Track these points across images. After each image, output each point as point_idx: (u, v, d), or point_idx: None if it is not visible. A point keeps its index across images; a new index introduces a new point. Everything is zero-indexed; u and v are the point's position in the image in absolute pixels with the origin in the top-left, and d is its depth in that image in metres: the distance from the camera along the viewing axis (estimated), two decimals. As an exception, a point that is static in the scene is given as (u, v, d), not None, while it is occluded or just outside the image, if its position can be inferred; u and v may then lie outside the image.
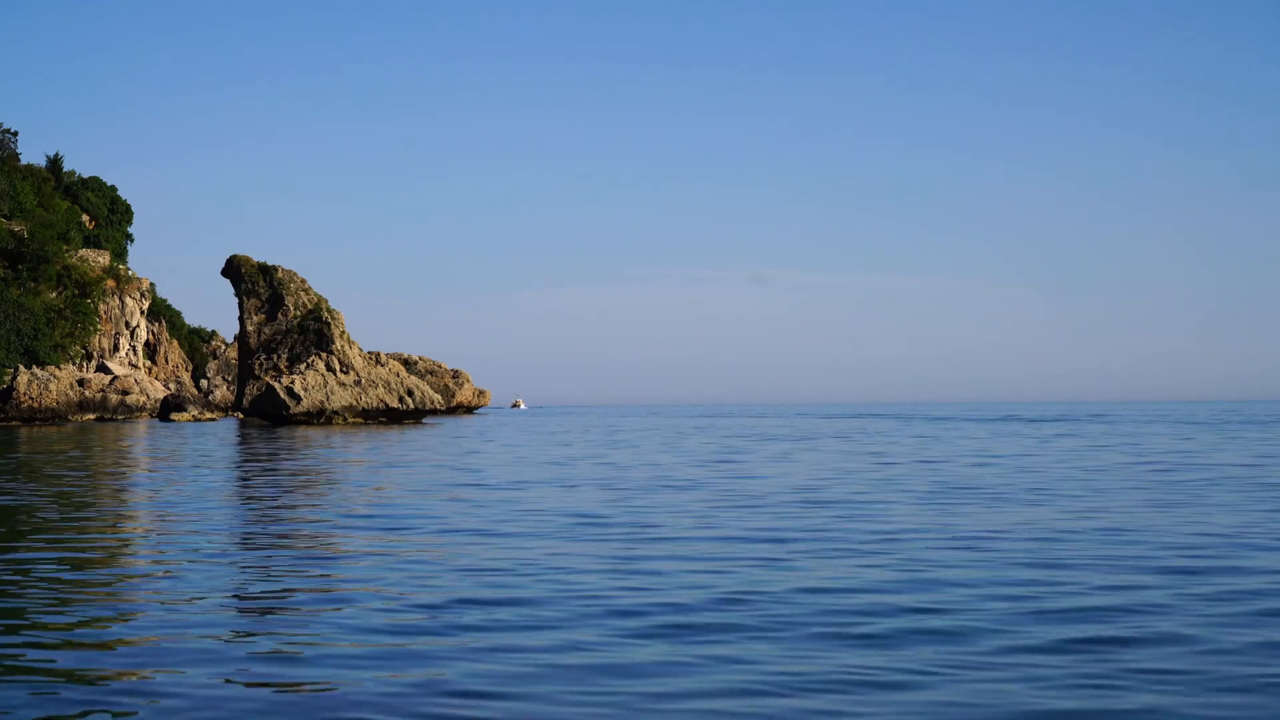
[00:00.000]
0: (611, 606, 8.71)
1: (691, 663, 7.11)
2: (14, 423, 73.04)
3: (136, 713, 6.20)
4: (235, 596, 9.41)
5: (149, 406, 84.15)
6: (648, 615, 8.40)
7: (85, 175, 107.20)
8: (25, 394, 75.86)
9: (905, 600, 8.98)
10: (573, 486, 20.43)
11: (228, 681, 6.75)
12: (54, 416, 76.75)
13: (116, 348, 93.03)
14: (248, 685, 6.69)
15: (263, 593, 9.58)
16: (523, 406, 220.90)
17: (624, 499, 17.77)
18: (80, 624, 8.29)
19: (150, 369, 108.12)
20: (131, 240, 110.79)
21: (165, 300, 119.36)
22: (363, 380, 74.46)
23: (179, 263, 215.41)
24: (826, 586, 9.60)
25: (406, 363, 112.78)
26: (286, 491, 19.71)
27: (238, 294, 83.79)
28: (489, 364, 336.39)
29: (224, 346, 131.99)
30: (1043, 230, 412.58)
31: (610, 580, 9.91)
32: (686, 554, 11.52)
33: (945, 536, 12.88)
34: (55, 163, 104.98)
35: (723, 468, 25.88)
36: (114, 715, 6.17)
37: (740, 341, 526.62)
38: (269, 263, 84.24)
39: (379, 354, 79.51)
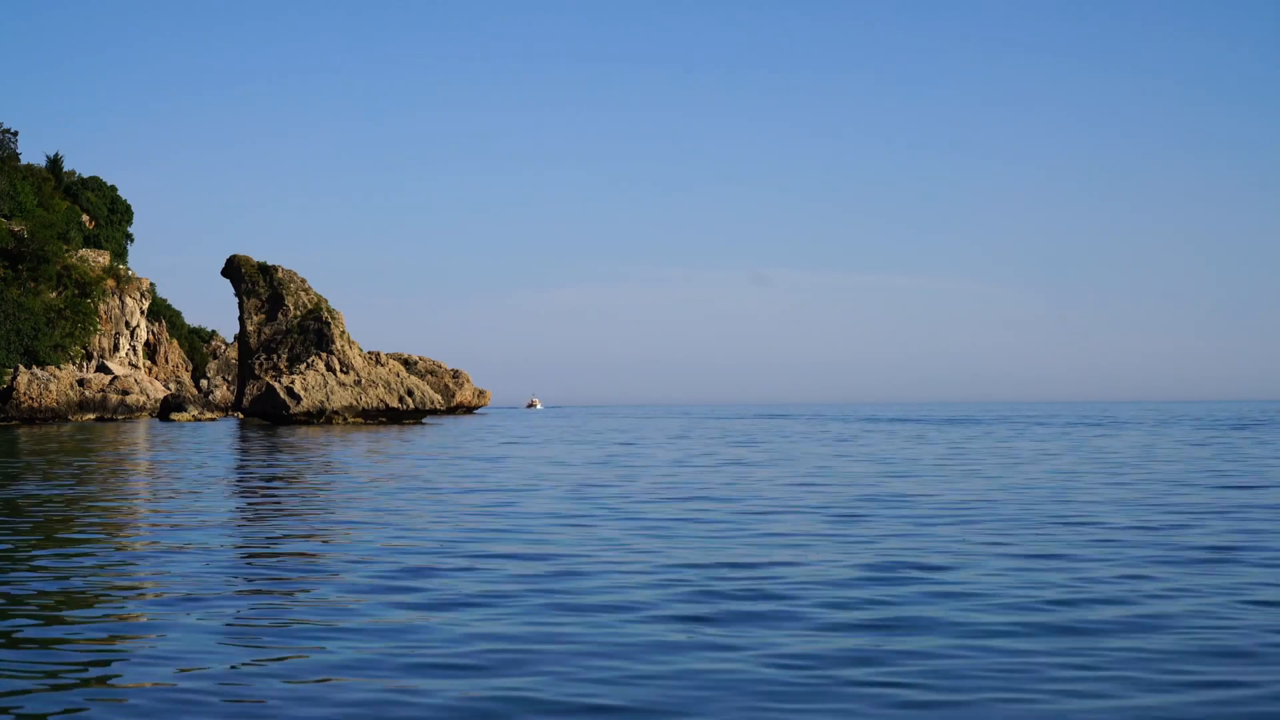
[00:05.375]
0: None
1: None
2: (14, 423, 72.99)
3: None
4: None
5: (149, 406, 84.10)
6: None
7: (85, 175, 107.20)
8: (25, 394, 75.82)
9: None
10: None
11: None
12: (54, 416, 76.70)
13: (116, 348, 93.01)
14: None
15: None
16: (539, 406, 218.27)
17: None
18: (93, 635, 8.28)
19: (150, 369, 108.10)
20: (131, 240, 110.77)
21: (165, 300, 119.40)
22: (363, 380, 74.41)
23: (179, 263, 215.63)
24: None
25: (406, 363, 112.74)
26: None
27: (238, 294, 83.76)
28: (489, 364, 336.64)
29: (224, 346, 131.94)
30: (1042, 230, 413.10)
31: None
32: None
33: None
34: (55, 163, 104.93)
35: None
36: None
37: (740, 341, 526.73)
38: (269, 263, 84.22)
39: (379, 354, 79.45)
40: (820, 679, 6.72)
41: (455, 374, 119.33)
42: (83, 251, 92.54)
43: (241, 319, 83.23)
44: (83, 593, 9.46)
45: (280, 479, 22.44)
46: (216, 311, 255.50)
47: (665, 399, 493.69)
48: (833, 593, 9.27)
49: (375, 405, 73.33)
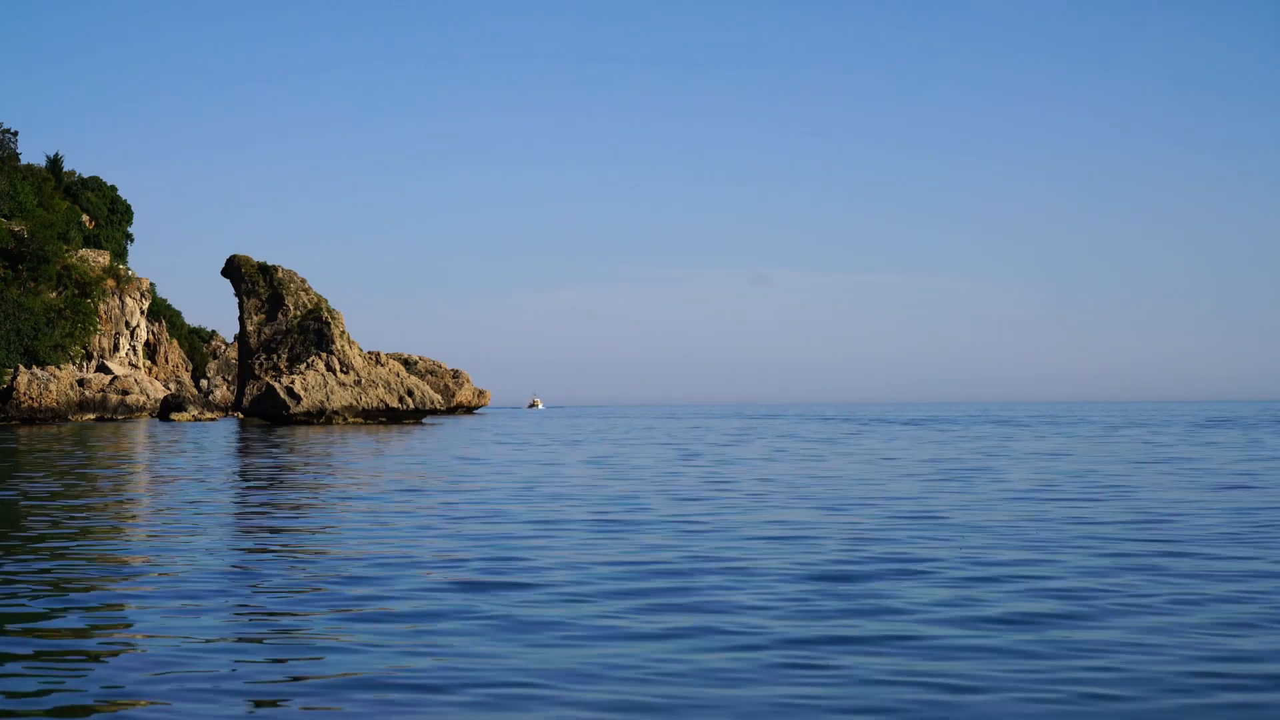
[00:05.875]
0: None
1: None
2: (14, 423, 73.03)
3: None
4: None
5: (149, 406, 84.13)
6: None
7: (85, 175, 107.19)
8: (25, 394, 75.85)
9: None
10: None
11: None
12: (54, 416, 76.73)
13: (116, 348, 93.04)
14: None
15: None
16: (540, 406, 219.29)
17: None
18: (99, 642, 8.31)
19: (150, 369, 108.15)
20: (131, 240, 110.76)
21: (165, 300, 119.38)
22: (363, 380, 74.44)
23: (179, 263, 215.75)
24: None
25: (406, 363, 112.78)
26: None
27: (238, 294, 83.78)
28: (489, 364, 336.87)
29: (224, 346, 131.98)
30: (1042, 230, 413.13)
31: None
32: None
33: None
34: (55, 163, 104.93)
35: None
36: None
37: (740, 341, 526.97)
38: (269, 263, 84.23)
39: (379, 354, 79.48)
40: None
41: (455, 374, 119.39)
42: (83, 251, 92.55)
43: (241, 319, 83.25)
44: (83, 594, 9.49)
45: (278, 479, 22.50)
46: (216, 311, 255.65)
47: (666, 399, 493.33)
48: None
49: (375, 405, 73.36)
